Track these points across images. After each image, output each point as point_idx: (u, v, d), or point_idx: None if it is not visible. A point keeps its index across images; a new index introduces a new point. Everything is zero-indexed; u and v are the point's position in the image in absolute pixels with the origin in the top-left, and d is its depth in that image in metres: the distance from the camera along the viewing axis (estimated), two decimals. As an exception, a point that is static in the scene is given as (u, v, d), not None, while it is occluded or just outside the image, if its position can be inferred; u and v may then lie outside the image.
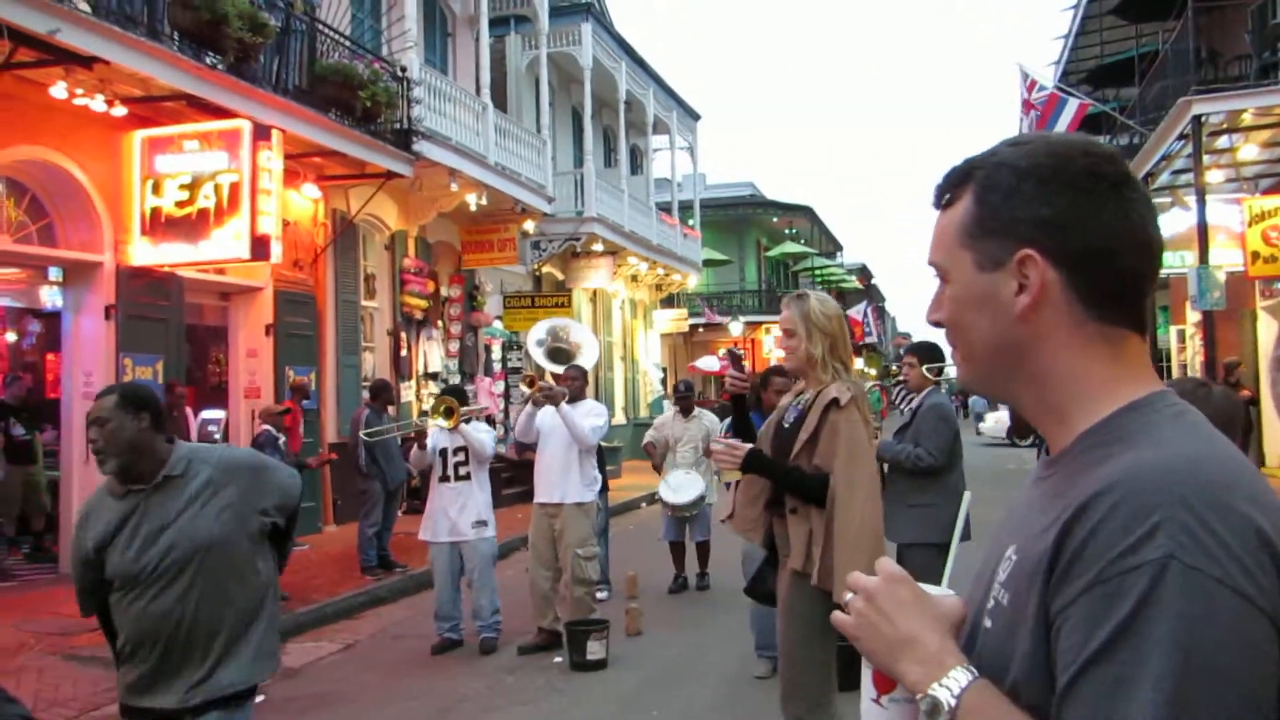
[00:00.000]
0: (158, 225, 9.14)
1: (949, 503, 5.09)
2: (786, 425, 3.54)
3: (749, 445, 3.53)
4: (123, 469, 2.90)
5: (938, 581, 1.12)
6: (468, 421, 6.76)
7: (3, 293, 10.80)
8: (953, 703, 0.94)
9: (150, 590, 2.87)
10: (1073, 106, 16.16)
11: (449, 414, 6.42)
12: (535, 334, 7.70)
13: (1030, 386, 1.05)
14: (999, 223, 1.02)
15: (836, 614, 1.06)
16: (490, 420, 15.48)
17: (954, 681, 0.95)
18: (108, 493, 3.02)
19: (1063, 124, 16.19)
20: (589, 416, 6.64)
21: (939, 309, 1.10)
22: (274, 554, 3.12)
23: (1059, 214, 1.00)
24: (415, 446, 6.74)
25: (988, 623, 1.01)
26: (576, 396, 6.76)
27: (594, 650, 6.14)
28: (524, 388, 6.76)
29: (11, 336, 11.77)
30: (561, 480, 6.61)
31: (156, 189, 9.14)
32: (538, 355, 7.50)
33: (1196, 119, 12.17)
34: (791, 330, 3.51)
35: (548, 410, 6.58)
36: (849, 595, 1.05)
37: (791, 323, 3.51)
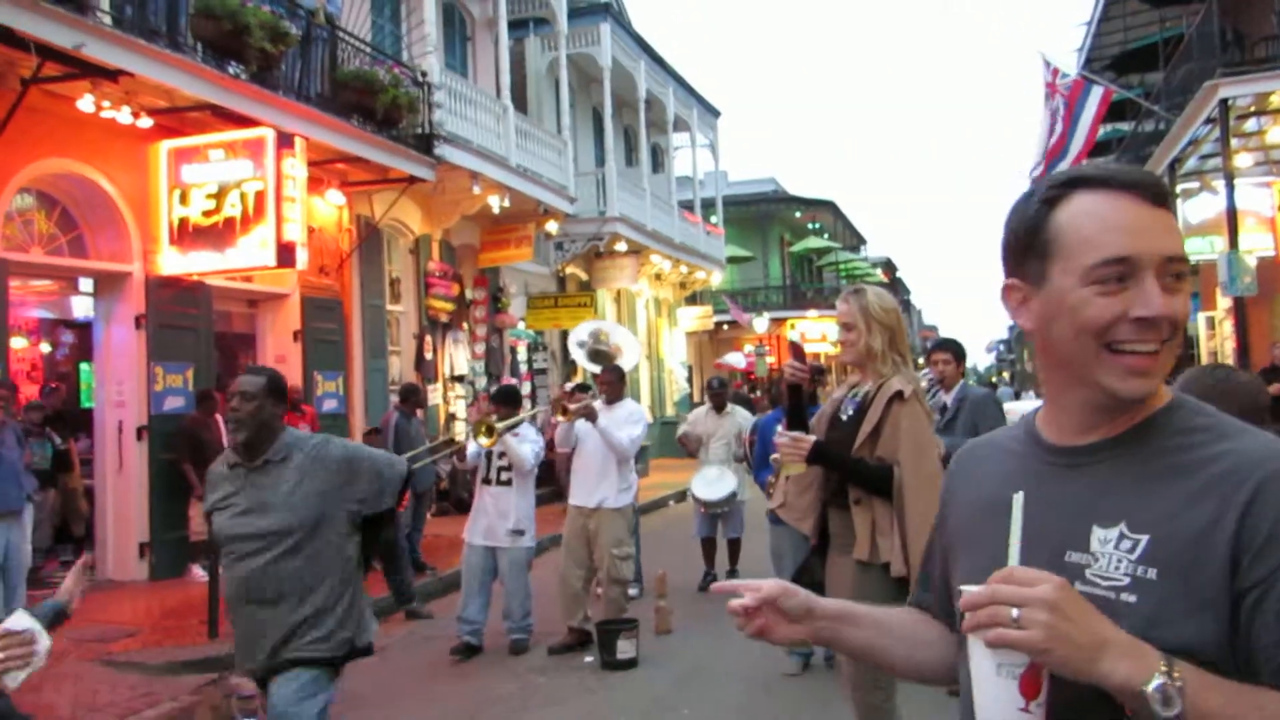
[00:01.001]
0: (185, 234, 9.23)
1: None
2: (845, 418, 3.55)
3: (814, 438, 3.52)
4: (248, 444, 3.30)
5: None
6: (516, 428, 6.70)
7: (36, 304, 10.96)
8: (1179, 687, 0.99)
9: (244, 557, 3.26)
10: (1098, 93, 15.99)
11: (489, 433, 6.39)
12: (577, 335, 7.71)
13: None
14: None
15: (1005, 633, 1.02)
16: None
17: (1170, 669, 1.00)
18: (224, 463, 3.47)
19: (1089, 112, 16.02)
20: (627, 425, 6.62)
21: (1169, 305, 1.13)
22: (373, 538, 3.45)
23: (1006, 243, 1.21)
24: (456, 457, 6.72)
25: (1131, 598, 1.07)
26: (614, 398, 6.75)
27: (624, 649, 6.16)
28: (559, 417, 6.69)
29: (46, 347, 11.93)
30: (599, 484, 6.62)
31: (183, 199, 9.23)
32: (579, 357, 7.51)
33: (1223, 102, 12.01)
34: (850, 324, 3.52)
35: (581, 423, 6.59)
36: (1014, 611, 1.02)
37: (850, 316, 3.51)
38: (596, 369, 7.23)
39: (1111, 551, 1.10)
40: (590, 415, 6.43)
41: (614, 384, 6.85)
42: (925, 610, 1.43)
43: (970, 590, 1.07)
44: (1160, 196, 1.14)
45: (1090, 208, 1.14)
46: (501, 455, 6.62)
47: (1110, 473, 1.13)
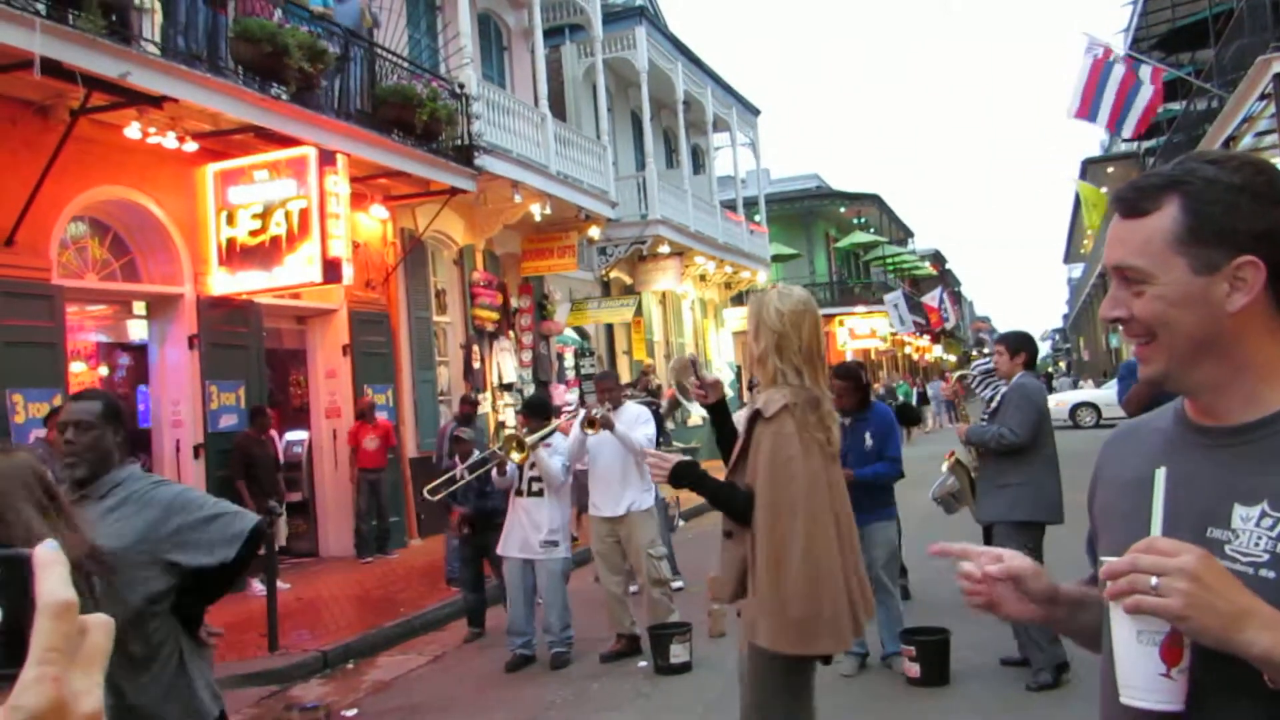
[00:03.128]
0: (233, 255, 9.40)
1: (1034, 482, 5.34)
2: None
3: (677, 457, 3.32)
4: (86, 480, 2.67)
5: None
6: (548, 439, 6.67)
7: (93, 329, 11.22)
8: None
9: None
10: (1148, 73, 15.64)
11: (520, 448, 6.39)
12: (676, 363, 7.87)
13: (1221, 371, 1.20)
14: (1216, 232, 1.17)
15: (1144, 599, 1.06)
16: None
17: None
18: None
19: (1144, 94, 15.65)
20: (638, 426, 6.61)
21: (1123, 306, 1.23)
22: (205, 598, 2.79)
23: (1273, 227, 1.16)
24: (495, 472, 6.73)
25: (1270, 574, 1.11)
26: (616, 404, 6.74)
27: (677, 653, 6.13)
28: (587, 430, 6.67)
29: (104, 370, 12.20)
30: (623, 492, 6.59)
31: (230, 220, 9.40)
32: (680, 393, 7.65)
33: (1277, 77, 11.71)
34: (750, 330, 3.29)
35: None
36: (1153, 579, 1.05)
37: (748, 321, 3.29)
38: (689, 404, 7.31)
39: (1252, 529, 1.14)
40: (609, 425, 6.43)
41: (613, 390, 6.82)
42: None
43: (1110, 560, 1.11)
44: (1128, 206, 1.23)
45: None
46: (532, 466, 6.59)
47: (1255, 454, 1.18)
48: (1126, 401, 5.56)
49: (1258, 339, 1.19)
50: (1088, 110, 15.00)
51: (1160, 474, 1.17)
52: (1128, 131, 15.55)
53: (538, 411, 6.90)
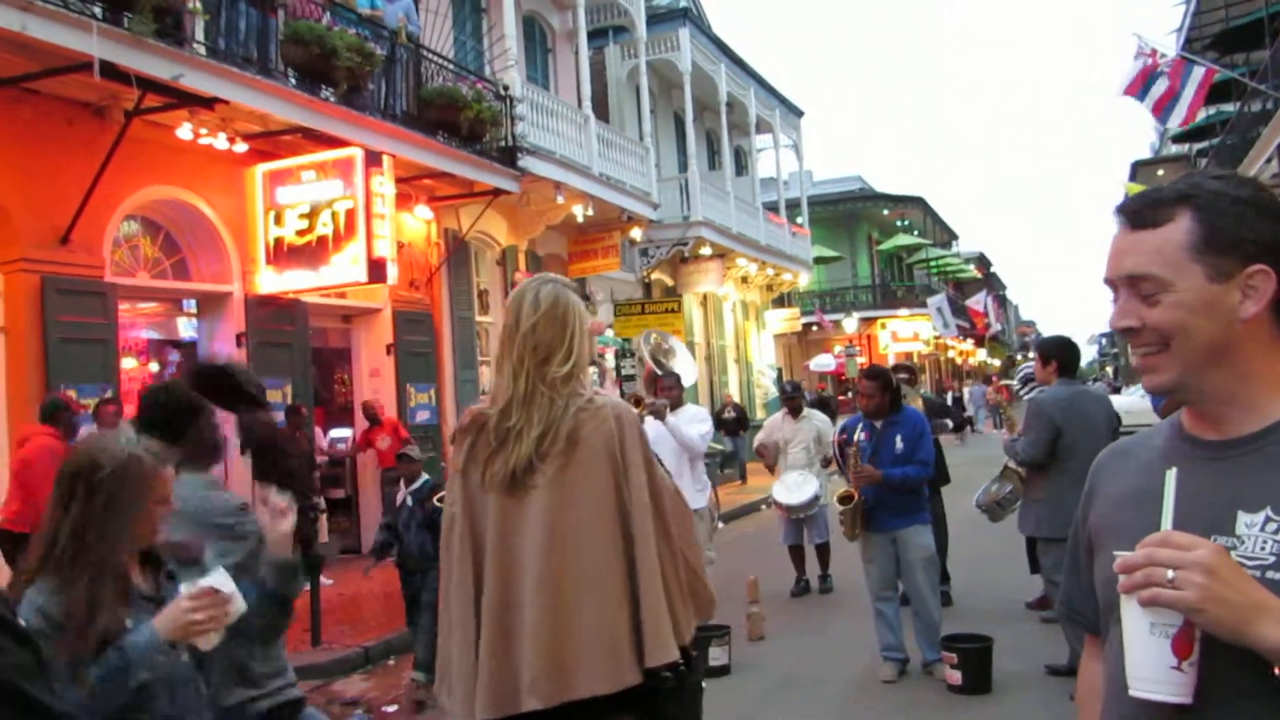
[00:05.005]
0: (281, 254, 9.53)
1: (1055, 499, 5.21)
2: None
3: None
4: None
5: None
6: None
7: (145, 326, 11.43)
8: None
9: None
10: (1198, 74, 15.39)
11: None
12: (645, 336, 7.75)
13: (1228, 380, 1.24)
14: (1228, 242, 1.21)
15: (1161, 592, 1.08)
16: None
17: None
18: None
19: (1189, 93, 15.43)
20: (693, 424, 6.61)
21: (1133, 316, 1.26)
22: None
23: (1277, 238, 1.21)
24: None
25: (1278, 575, 1.14)
26: (676, 404, 6.74)
27: (716, 656, 6.12)
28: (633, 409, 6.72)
29: (154, 367, 12.42)
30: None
31: (278, 219, 9.53)
32: (644, 349, 7.56)
33: (1335, 79, 11.45)
34: None
35: (652, 422, 6.59)
36: (1170, 572, 1.08)
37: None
38: (658, 370, 7.24)
39: (1257, 534, 1.17)
40: (659, 414, 6.43)
41: (673, 389, 6.83)
42: (1087, 625, 1.45)
43: (1125, 554, 1.12)
44: (1138, 218, 1.26)
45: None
46: None
47: (1257, 463, 1.21)
48: (1163, 412, 5.47)
49: (1262, 350, 1.23)
50: (1137, 90, 14.91)
51: (1171, 474, 1.19)
52: (1174, 121, 15.34)
53: None
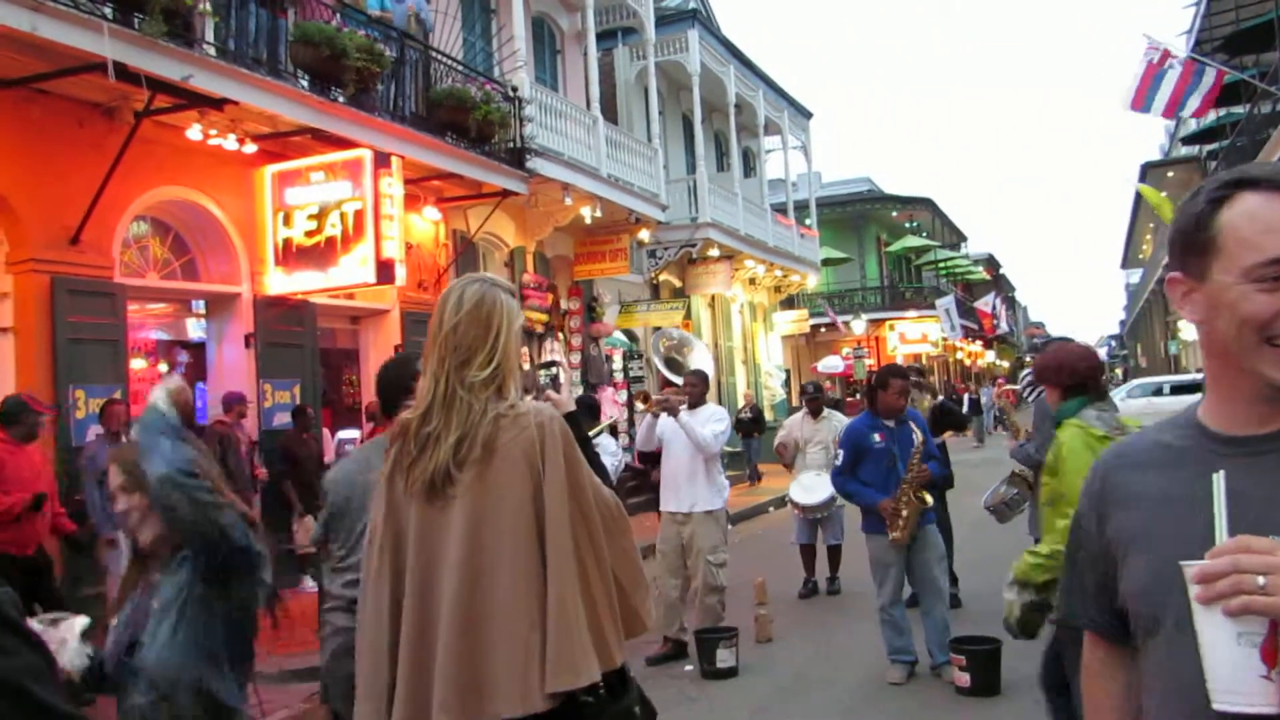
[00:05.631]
0: (289, 255, 9.55)
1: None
2: None
3: None
4: None
5: None
6: (596, 438, 6.71)
7: (154, 326, 11.46)
8: None
9: None
10: (1210, 76, 15.35)
11: None
12: (669, 330, 7.68)
13: None
14: None
15: (1254, 600, 1.04)
16: (614, 430, 15.62)
17: None
18: None
19: (1199, 95, 15.40)
20: (709, 423, 6.58)
21: None
22: None
23: None
24: None
25: None
26: (697, 402, 6.72)
27: (724, 658, 6.11)
28: (639, 404, 6.73)
29: (163, 367, 12.46)
30: (689, 488, 6.58)
31: (287, 220, 9.55)
32: (656, 359, 7.50)
33: (1347, 80, 11.39)
34: None
35: (668, 419, 6.57)
36: (1260, 579, 1.04)
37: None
38: (675, 378, 7.20)
39: None
40: (671, 410, 6.40)
41: (695, 386, 6.81)
42: (1103, 631, 1.41)
43: (1196, 564, 1.09)
44: None
45: (1253, 209, 1.19)
46: None
47: None
48: None
49: None
50: (1142, 102, 14.93)
51: (1220, 478, 1.16)
52: (1189, 112, 15.33)
53: (586, 412, 6.93)
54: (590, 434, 6.54)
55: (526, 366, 12.96)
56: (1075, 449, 3.36)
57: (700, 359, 7.67)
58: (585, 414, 6.91)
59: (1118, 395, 21.27)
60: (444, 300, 2.27)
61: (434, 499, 2.16)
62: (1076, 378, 3.61)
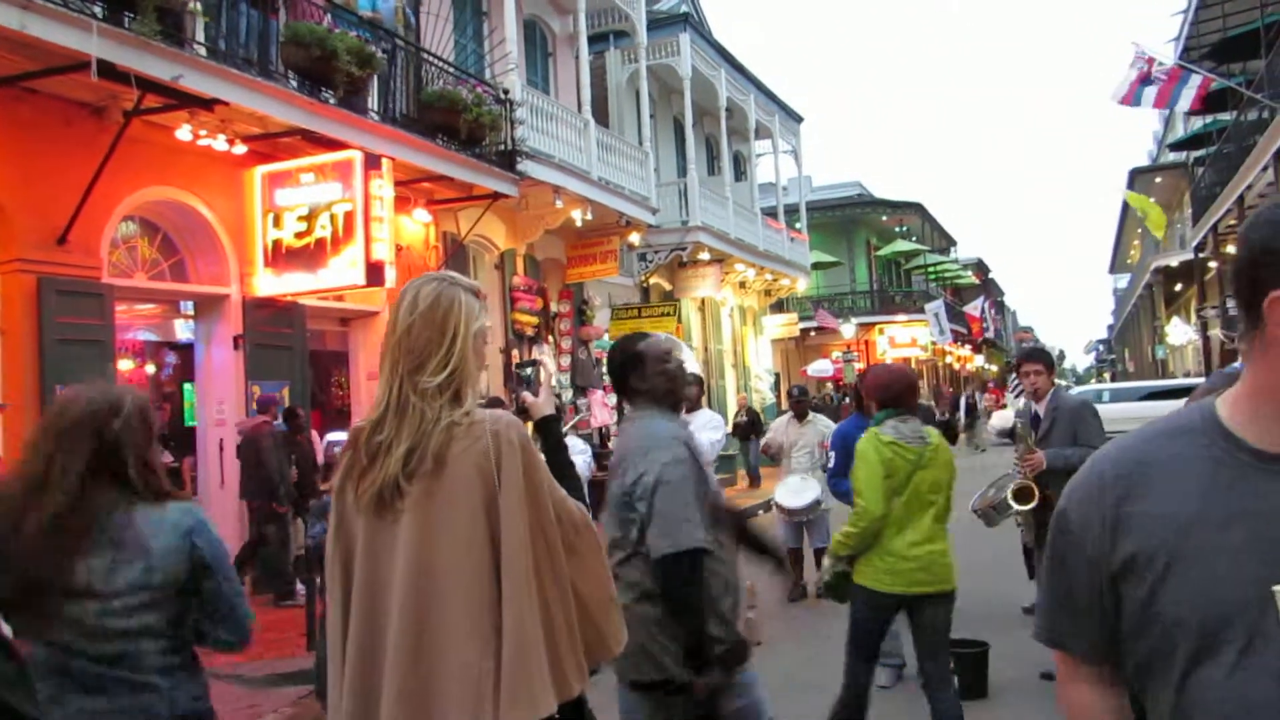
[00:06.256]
0: (279, 256, 9.52)
1: None
2: None
3: None
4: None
5: None
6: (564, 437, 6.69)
7: (142, 327, 11.41)
8: None
9: None
10: (1195, 82, 15.46)
11: None
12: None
13: None
14: None
15: None
16: (603, 435, 15.62)
17: None
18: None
19: (1185, 101, 15.52)
20: (706, 430, 6.57)
21: None
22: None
23: None
24: None
25: None
26: (693, 407, 6.70)
27: (713, 661, 6.10)
28: None
29: (151, 368, 12.41)
30: None
31: (277, 221, 9.52)
32: None
33: (1333, 88, 11.47)
34: None
35: None
36: None
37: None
38: None
39: None
40: None
41: (691, 388, 6.80)
42: (1094, 659, 1.34)
43: None
44: None
45: None
46: None
47: None
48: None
49: None
50: (1131, 98, 15.08)
51: None
52: (1183, 106, 15.44)
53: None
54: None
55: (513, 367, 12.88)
56: (864, 451, 4.21)
57: (687, 364, 7.65)
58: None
59: (1108, 408, 21.36)
60: (399, 300, 2.14)
61: (383, 513, 2.01)
62: (891, 394, 4.31)
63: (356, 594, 2.02)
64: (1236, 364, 5.00)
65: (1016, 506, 5.37)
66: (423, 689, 1.92)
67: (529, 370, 2.60)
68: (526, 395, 2.52)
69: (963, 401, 26.48)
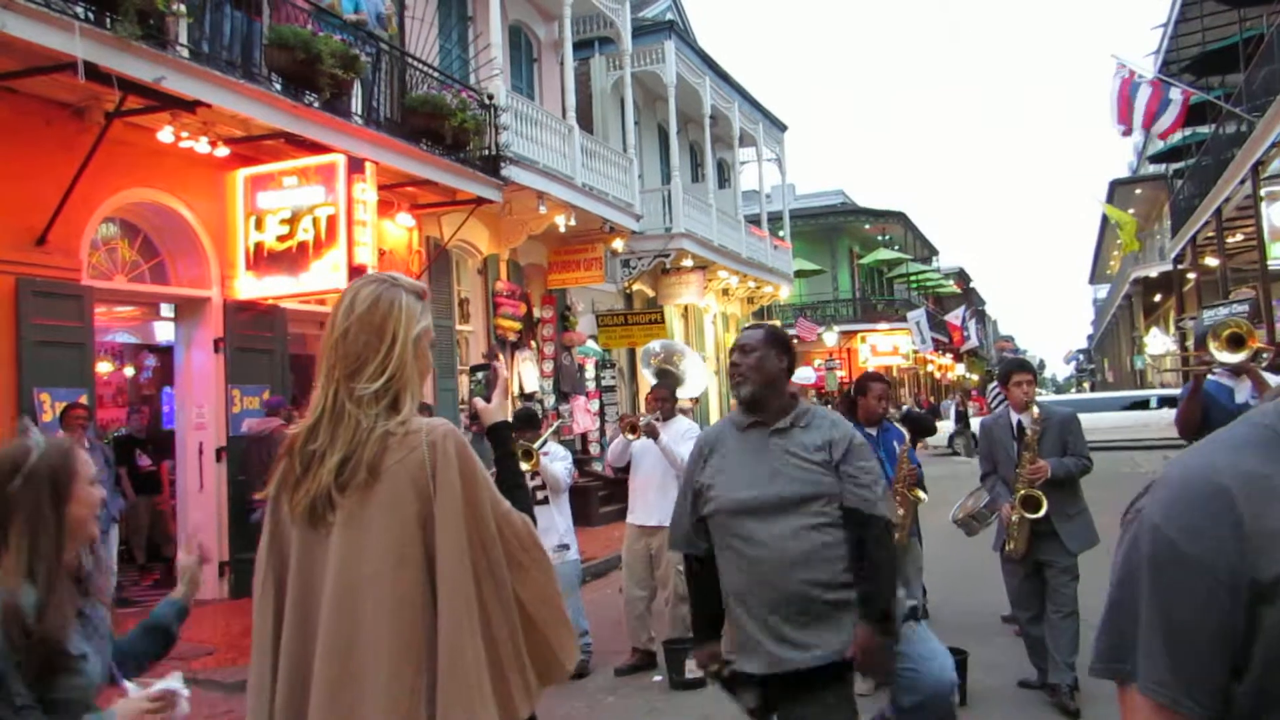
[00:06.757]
0: (260, 259, 9.47)
1: (1085, 507, 5.40)
2: None
3: None
4: (754, 399, 3.14)
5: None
6: (544, 447, 6.71)
7: (121, 329, 11.33)
8: None
9: (751, 526, 3.06)
10: (1176, 95, 15.62)
11: (528, 456, 6.42)
12: (651, 346, 7.65)
13: None
14: None
15: None
16: (584, 441, 15.61)
17: None
18: (732, 424, 3.27)
19: (1169, 115, 15.67)
20: (684, 440, 6.60)
21: None
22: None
23: None
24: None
25: None
26: (668, 416, 6.73)
27: (692, 669, 6.10)
28: (627, 434, 6.73)
29: (130, 371, 12.33)
30: (659, 501, 6.57)
31: (259, 224, 9.48)
32: (646, 371, 7.47)
33: (1309, 103, 11.61)
34: None
35: (643, 440, 6.59)
36: None
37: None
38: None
39: None
40: (653, 433, 6.43)
41: (665, 401, 6.81)
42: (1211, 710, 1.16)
43: None
44: None
45: None
46: (534, 475, 6.61)
47: None
48: (1181, 421, 5.29)
49: None
50: (1127, 119, 15.28)
51: None
52: (1159, 129, 15.64)
53: (529, 424, 6.88)
54: (536, 444, 6.54)
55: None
56: None
57: (693, 367, 7.61)
58: (527, 425, 6.85)
59: (1092, 419, 21.48)
60: (338, 304, 2.04)
61: (316, 525, 1.91)
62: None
63: (290, 610, 1.92)
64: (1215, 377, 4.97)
65: (1029, 516, 5.33)
66: (349, 714, 1.82)
67: (479, 375, 2.53)
68: (478, 401, 2.40)
69: (952, 409, 26.56)
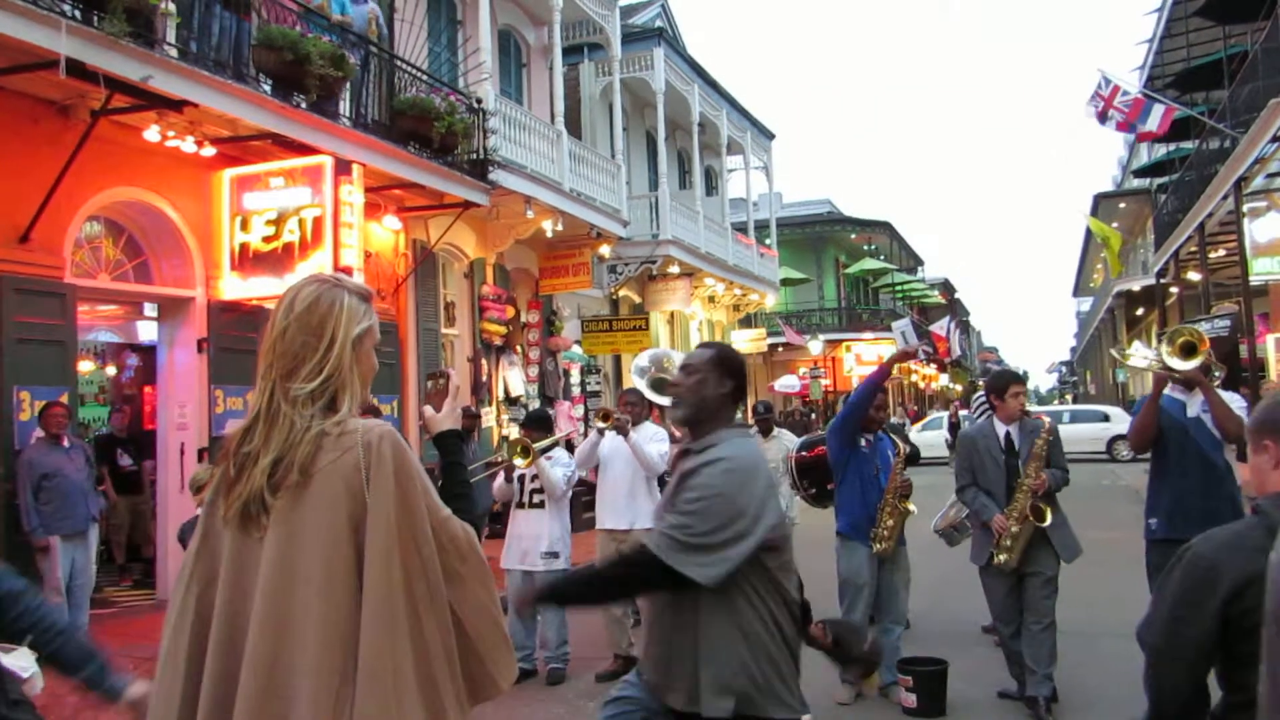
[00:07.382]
0: (245, 260, 9.43)
1: (1065, 518, 5.44)
2: None
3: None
4: (687, 422, 2.93)
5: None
6: (549, 451, 6.71)
7: (103, 328, 11.26)
8: None
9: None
10: (1159, 111, 15.76)
11: (525, 453, 6.41)
12: (638, 362, 7.65)
13: None
14: None
15: None
16: (570, 446, 15.58)
17: None
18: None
19: (1153, 119, 15.81)
20: (652, 442, 6.62)
21: None
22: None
23: None
24: (501, 478, 6.79)
25: None
26: (636, 421, 6.73)
27: (674, 675, 6.10)
28: (599, 422, 6.74)
29: (112, 370, 12.24)
30: (629, 505, 6.58)
31: (244, 225, 9.44)
32: (641, 385, 7.45)
33: (1291, 120, 11.73)
34: None
35: (609, 437, 6.60)
36: None
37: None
38: (661, 400, 7.18)
39: None
40: (622, 430, 6.43)
41: (635, 406, 6.80)
42: None
43: None
44: None
45: None
46: (534, 478, 6.62)
47: None
48: (1136, 431, 5.35)
49: None
50: (1102, 116, 15.46)
51: None
52: (1149, 125, 15.75)
53: (540, 425, 6.93)
54: (548, 443, 6.52)
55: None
56: None
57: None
58: (539, 426, 6.89)
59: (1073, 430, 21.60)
60: (279, 302, 2.01)
61: (250, 529, 1.85)
62: None
63: (217, 620, 1.84)
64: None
65: (1040, 525, 5.31)
66: None
67: (429, 385, 2.47)
68: (426, 409, 2.34)
69: (945, 419, 26.63)
